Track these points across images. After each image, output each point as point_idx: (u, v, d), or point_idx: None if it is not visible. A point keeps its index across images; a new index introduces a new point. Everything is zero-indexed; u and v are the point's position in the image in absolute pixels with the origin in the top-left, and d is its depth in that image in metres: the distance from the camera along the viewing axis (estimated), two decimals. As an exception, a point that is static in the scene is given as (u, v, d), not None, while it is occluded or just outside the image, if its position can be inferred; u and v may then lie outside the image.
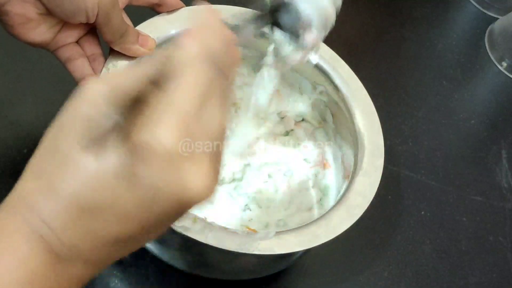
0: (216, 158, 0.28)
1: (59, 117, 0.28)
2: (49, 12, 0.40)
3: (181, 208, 0.27)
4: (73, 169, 0.26)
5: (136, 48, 0.45)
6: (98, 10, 0.40)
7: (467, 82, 0.74)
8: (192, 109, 0.26)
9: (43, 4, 0.39)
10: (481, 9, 0.83)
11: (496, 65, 0.77)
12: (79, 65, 0.44)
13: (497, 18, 0.81)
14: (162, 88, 0.26)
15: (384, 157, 0.48)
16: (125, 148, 0.26)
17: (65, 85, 0.56)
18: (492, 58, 0.77)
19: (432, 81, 0.72)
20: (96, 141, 0.26)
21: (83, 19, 0.40)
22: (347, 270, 0.55)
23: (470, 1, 0.83)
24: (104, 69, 0.44)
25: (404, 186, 0.62)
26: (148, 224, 0.27)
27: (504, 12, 0.80)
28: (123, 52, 0.44)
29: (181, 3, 0.49)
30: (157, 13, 0.49)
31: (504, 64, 0.76)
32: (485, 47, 0.78)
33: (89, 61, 0.44)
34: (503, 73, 0.76)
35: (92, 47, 0.45)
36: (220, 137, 0.28)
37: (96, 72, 0.44)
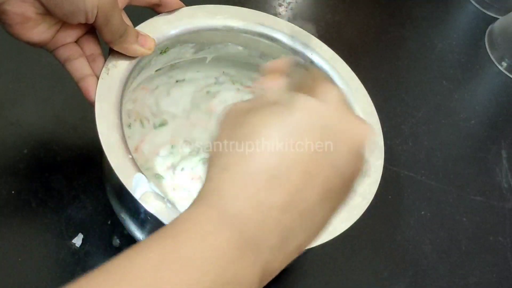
0: None
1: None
2: (48, 12, 0.40)
3: (355, 151, 0.30)
4: (254, 147, 0.28)
5: (135, 48, 0.45)
6: (97, 11, 0.40)
7: (467, 82, 0.74)
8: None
9: (42, 4, 0.39)
10: (481, 9, 0.83)
11: (496, 65, 0.77)
12: (78, 65, 0.44)
13: (497, 18, 0.81)
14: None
15: (384, 157, 0.48)
16: (302, 107, 0.29)
17: (65, 85, 0.56)
18: (492, 58, 0.77)
19: (432, 81, 0.72)
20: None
21: (82, 20, 0.40)
22: (347, 270, 0.55)
23: (470, 1, 0.83)
24: (104, 69, 0.44)
25: (404, 186, 0.62)
26: (330, 178, 0.29)
27: (504, 12, 0.80)
28: (123, 52, 0.44)
29: (181, 3, 0.49)
30: (157, 13, 0.49)
31: (504, 64, 0.76)
32: (485, 47, 0.78)
33: (88, 61, 0.44)
34: (503, 73, 0.76)
35: (91, 47, 0.45)
36: None
37: (95, 72, 0.44)
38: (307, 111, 0.29)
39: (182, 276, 0.25)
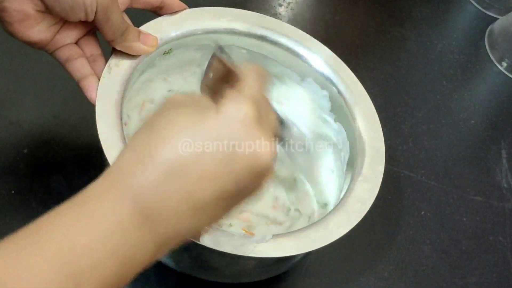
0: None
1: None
2: (47, 9, 0.40)
3: (254, 169, 0.32)
4: (163, 139, 0.31)
5: (138, 46, 0.45)
6: (96, 6, 0.40)
7: (467, 82, 0.74)
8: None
9: (42, 0, 0.39)
10: (481, 9, 0.83)
11: (496, 65, 0.77)
12: (78, 65, 0.44)
13: (497, 18, 0.81)
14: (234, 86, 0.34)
15: (384, 158, 0.48)
16: (214, 117, 0.32)
17: (65, 85, 0.56)
18: (492, 58, 0.77)
19: (432, 81, 0.72)
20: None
21: (81, 16, 0.40)
22: (347, 270, 0.55)
23: (470, 1, 0.83)
24: (106, 68, 0.44)
25: (404, 186, 0.62)
26: (226, 185, 0.32)
27: (504, 12, 0.80)
28: (125, 51, 0.44)
29: (184, 5, 0.49)
30: (159, 16, 0.49)
31: (504, 64, 0.76)
32: (485, 47, 0.78)
33: (88, 61, 0.44)
34: (503, 73, 0.76)
35: (91, 48, 0.45)
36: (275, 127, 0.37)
37: (96, 72, 0.44)
38: (221, 120, 0.32)
39: (91, 238, 0.28)
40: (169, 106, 0.33)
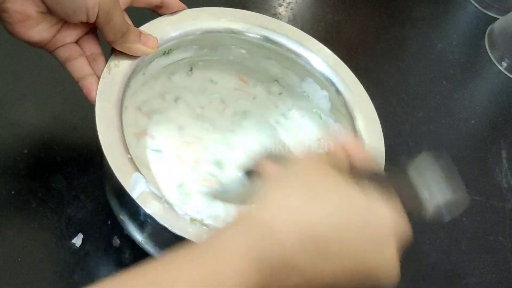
0: None
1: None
2: (49, 11, 0.40)
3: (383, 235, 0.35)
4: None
5: (138, 47, 0.45)
6: (98, 9, 0.40)
7: (467, 82, 0.74)
8: None
9: (43, 2, 0.39)
10: (481, 9, 0.83)
11: (496, 65, 0.77)
12: (78, 65, 0.44)
13: (497, 18, 0.81)
14: None
15: (384, 157, 0.48)
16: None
17: (65, 86, 0.56)
18: (492, 58, 0.77)
19: (432, 81, 0.72)
20: None
21: (83, 18, 0.40)
22: (347, 270, 0.55)
23: (470, 1, 0.83)
24: (105, 69, 0.44)
25: (404, 186, 0.62)
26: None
27: (504, 12, 0.80)
28: (125, 52, 0.44)
29: (183, 5, 0.49)
30: (159, 15, 0.49)
31: (504, 64, 0.76)
32: (485, 47, 0.78)
33: (88, 60, 0.44)
34: (503, 73, 0.76)
35: (91, 47, 0.45)
36: None
37: (96, 71, 0.44)
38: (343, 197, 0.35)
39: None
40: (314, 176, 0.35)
